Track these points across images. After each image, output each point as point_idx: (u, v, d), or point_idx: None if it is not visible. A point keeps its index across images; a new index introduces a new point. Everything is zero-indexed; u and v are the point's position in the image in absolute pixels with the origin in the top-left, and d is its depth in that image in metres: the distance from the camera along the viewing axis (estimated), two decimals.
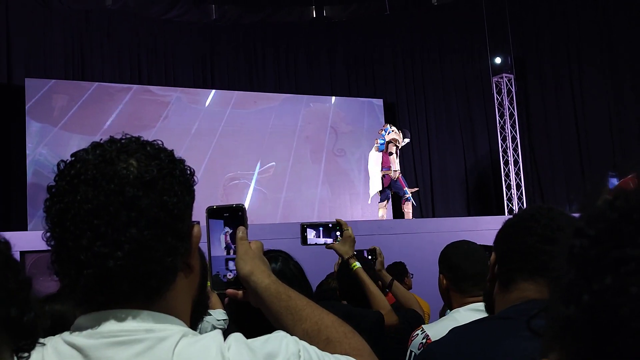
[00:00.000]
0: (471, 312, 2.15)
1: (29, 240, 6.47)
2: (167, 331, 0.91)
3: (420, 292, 4.75)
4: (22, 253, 6.11)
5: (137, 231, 0.89)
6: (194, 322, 1.09)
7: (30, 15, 10.88)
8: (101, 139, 0.99)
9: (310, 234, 2.52)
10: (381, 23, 13.53)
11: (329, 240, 2.55)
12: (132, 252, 0.88)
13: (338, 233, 2.57)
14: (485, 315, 2.11)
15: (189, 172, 1.01)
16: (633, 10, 11.10)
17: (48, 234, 0.93)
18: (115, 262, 0.88)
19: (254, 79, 12.89)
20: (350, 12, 13.68)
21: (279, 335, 0.98)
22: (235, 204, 1.26)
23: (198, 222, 1.03)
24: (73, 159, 0.95)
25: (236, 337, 0.94)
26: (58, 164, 0.96)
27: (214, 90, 12.12)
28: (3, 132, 10.39)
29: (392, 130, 9.89)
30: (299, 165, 12.33)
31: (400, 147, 10.06)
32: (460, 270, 2.26)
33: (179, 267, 0.96)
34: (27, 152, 10.14)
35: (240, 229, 1.21)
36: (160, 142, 1.01)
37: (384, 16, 13.47)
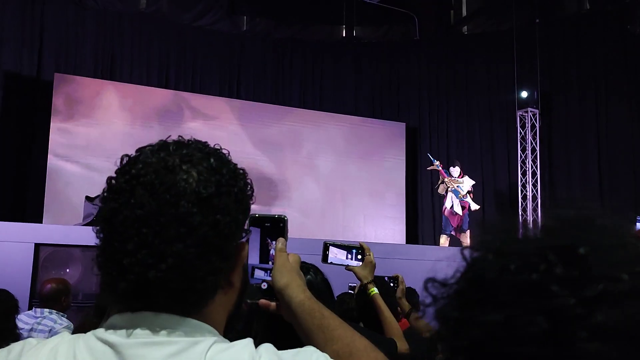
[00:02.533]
0: None
1: (43, 232, 6.53)
2: (200, 337, 0.90)
3: (428, 319, 4.69)
4: (37, 245, 6.14)
5: (184, 247, 0.88)
6: (226, 334, 1.07)
7: (64, 12, 11.06)
8: (169, 136, 0.99)
9: (332, 253, 2.51)
10: (410, 47, 13.58)
11: (351, 262, 2.54)
12: (175, 266, 0.87)
13: (360, 256, 2.55)
14: None
15: (248, 188, 0.99)
16: None
17: (98, 227, 0.93)
18: (157, 273, 0.87)
19: (279, 92, 12.95)
20: (379, 34, 13.75)
21: (310, 350, 0.97)
22: (278, 215, 1.25)
23: (247, 240, 1.01)
24: (137, 155, 0.95)
25: (267, 347, 0.92)
26: (122, 158, 0.95)
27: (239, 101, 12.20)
28: (28, 124, 10.52)
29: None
30: (315, 181, 12.33)
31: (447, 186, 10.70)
32: None
33: (220, 285, 0.95)
34: (49, 145, 10.23)
35: (280, 241, 1.21)
36: (226, 152, 1.00)
37: (413, 41, 13.51)
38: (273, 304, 1.19)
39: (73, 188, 9.96)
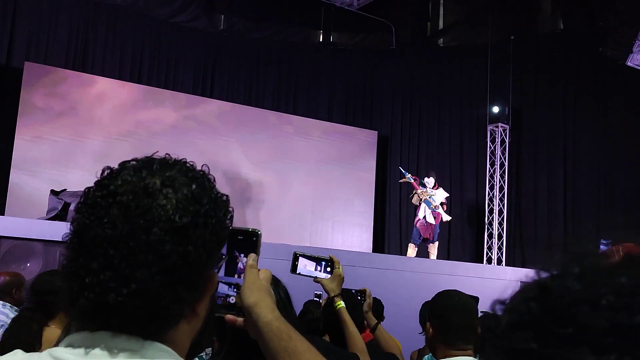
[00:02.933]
0: None
1: (4, 225, 6.37)
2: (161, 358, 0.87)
3: (392, 329, 4.70)
4: None
5: (149, 274, 0.85)
6: None
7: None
8: (156, 151, 0.95)
9: (302, 263, 2.49)
10: (386, 56, 13.64)
11: (320, 275, 2.53)
12: (137, 292, 0.84)
13: (329, 269, 2.55)
14: None
15: (228, 218, 0.96)
16: (628, 78, 11.27)
17: (68, 237, 0.90)
18: (117, 297, 0.84)
19: (253, 94, 12.89)
20: (356, 41, 13.79)
21: None
22: (252, 229, 1.22)
23: (218, 267, 0.99)
24: (119, 169, 0.91)
25: None
26: (103, 170, 0.92)
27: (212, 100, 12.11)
28: None
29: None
30: (284, 185, 12.30)
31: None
32: (448, 323, 2.23)
33: (185, 314, 0.91)
34: (15, 135, 10.03)
35: (251, 256, 1.18)
36: (212, 178, 0.97)
37: (389, 50, 13.58)
38: (240, 319, 1.16)
39: (38, 180, 9.78)
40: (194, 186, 0.91)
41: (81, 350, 0.86)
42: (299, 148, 12.56)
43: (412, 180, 10.59)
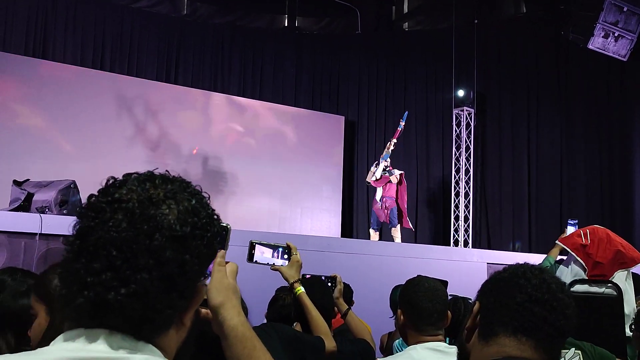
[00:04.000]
0: (428, 351, 2.15)
1: None
2: (157, 357, 0.92)
3: (362, 314, 4.74)
4: None
5: (149, 278, 0.89)
6: None
7: None
8: (156, 169, 1.01)
9: (259, 251, 2.49)
10: (351, 41, 13.63)
11: (278, 262, 2.53)
12: (136, 294, 0.88)
13: (286, 255, 2.56)
14: (442, 355, 2.12)
15: (219, 235, 1.02)
16: (588, 61, 11.46)
17: (69, 240, 0.93)
18: (116, 296, 0.88)
19: (218, 79, 12.78)
20: (321, 26, 13.75)
21: None
22: (221, 223, 1.20)
23: (206, 285, 1.05)
24: (123, 180, 0.97)
25: None
26: (107, 180, 0.97)
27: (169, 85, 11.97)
28: None
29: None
30: (251, 172, 12.24)
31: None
32: (419, 309, 2.26)
33: (175, 322, 0.96)
34: None
35: (220, 253, 1.18)
36: (207, 195, 1.03)
37: (354, 35, 13.57)
38: (204, 310, 1.17)
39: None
40: (193, 201, 0.97)
41: (77, 345, 0.89)
42: (266, 134, 12.51)
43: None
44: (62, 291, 0.92)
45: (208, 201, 1.01)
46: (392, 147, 10.42)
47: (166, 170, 1.01)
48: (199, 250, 0.95)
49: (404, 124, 10.75)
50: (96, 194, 0.95)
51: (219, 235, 1.02)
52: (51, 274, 1.71)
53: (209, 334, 1.20)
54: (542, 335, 1.29)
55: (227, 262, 1.19)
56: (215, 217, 1.02)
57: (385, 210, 10.20)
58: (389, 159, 10.37)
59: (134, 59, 12.00)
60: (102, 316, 0.89)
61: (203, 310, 1.17)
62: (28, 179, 6.60)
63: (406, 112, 11.10)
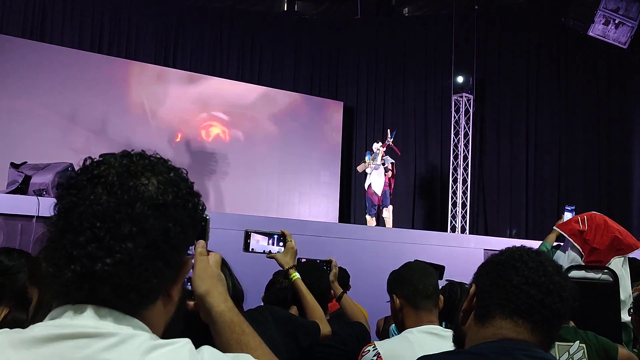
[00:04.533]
0: (424, 335, 2.17)
1: None
2: (140, 331, 0.92)
3: (358, 298, 4.75)
4: None
5: (133, 246, 0.90)
6: None
7: None
8: (133, 150, 1.01)
9: (254, 240, 2.55)
10: (350, 26, 13.56)
11: (273, 249, 2.58)
12: (122, 262, 0.90)
13: (281, 243, 2.60)
14: (438, 339, 2.12)
15: (201, 208, 1.03)
16: (589, 48, 11.42)
17: (52, 221, 0.95)
18: (103, 266, 0.89)
19: (217, 63, 12.73)
20: (321, 10, 13.67)
21: (248, 356, 1.01)
22: None
23: (192, 257, 1.05)
24: (100, 159, 0.97)
25: (209, 348, 0.96)
26: (85, 160, 0.98)
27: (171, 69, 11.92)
28: None
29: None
30: (250, 157, 12.24)
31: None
32: (414, 284, 2.29)
33: (162, 293, 0.97)
34: None
35: (200, 243, 1.19)
36: (185, 171, 1.03)
37: (354, 20, 13.50)
38: (191, 303, 1.18)
39: None
40: (172, 173, 0.99)
41: (63, 321, 0.90)
42: (265, 119, 12.49)
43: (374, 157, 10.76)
44: (49, 269, 0.93)
45: (186, 176, 1.02)
46: (380, 155, 10.62)
47: (142, 150, 1.01)
48: (181, 219, 0.95)
49: (391, 140, 10.91)
50: (74, 174, 0.97)
51: (201, 217, 1.03)
52: (42, 257, 1.71)
53: (196, 323, 1.20)
54: (538, 318, 1.29)
55: (210, 252, 1.20)
56: (197, 192, 1.02)
57: (377, 196, 10.44)
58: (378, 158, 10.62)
59: (132, 43, 11.94)
60: (89, 288, 0.90)
61: (190, 303, 1.18)
62: (25, 162, 6.59)
63: (394, 132, 11.14)
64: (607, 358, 2.28)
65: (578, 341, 2.25)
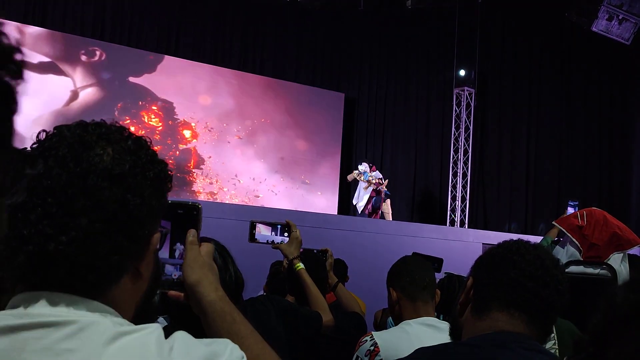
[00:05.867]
0: (422, 326, 2.17)
1: None
2: (101, 317, 0.86)
3: (357, 289, 4.76)
4: None
5: (88, 221, 0.84)
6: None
7: None
8: (93, 120, 0.94)
9: (259, 231, 2.56)
10: (353, 18, 13.51)
11: (277, 239, 2.60)
12: (77, 240, 0.84)
13: (286, 233, 2.62)
14: (435, 330, 2.13)
15: (166, 177, 0.96)
16: (591, 43, 11.40)
17: (7, 202, 0.88)
18: (57, 245, 0.83)
19: (219, 53, 12.69)
20: (324, 1, 13.61)
21: (225, 341, 0.97)
22: (192, 202, 1.17)
23: (161, 231, 0.98)
24: (54, 131, 0.91)
25: (182, 334, 0.91)
26: (38, 133, 0.91)
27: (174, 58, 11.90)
28: None
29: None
30: (251, 147, 12.24)
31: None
32: (410, 276, 2.29)
33: (127, 270, 0.91)
34: None
35: (191, 232, 1.14)
36: (148, 139, 0.97)
37: (357, 11, 13.45)
38: (183, 294, 1.14)
39: None
40: (129, 142, 0.92)
41: (18, 311, 0.85)
42: (266, 109, 12.47)
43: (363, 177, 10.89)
44: (3, 252, 0.87)
45: (149, 144, 0.96)
46: (373, 181, 10.79)
47: (101, 119, 0.95)
48: (141, 189, 0.89)
49: (384, 186, 10.98)
50: (28, 149, 0.91)
51: (168, 176, 0.96)
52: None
53: (188, 315, 1.18)
54: (534, 311, 1.30)
55: (202, 242, 1.16)
56: (161, 160, 0.96)
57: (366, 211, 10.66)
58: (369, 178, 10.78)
59: (134, 31, 11.90)
60: (45, 270, 0.85)
61: (172, 293, 1.14)
62: (26, 147, 6.59)
63: (387, 180, 11.25)
64: (571, 333, 2.32)
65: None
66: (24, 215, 0.84)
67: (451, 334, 1.48)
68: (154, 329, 0.87)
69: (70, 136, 0.89)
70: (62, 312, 0.84)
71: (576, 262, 3.26)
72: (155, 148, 0.98)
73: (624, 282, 0.78)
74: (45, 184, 0.85)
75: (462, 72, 12.50)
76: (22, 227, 0.84)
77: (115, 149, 0.89)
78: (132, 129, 0.99)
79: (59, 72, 10.56)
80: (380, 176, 11.01)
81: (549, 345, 2.32)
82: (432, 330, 2.14)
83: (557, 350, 2.31)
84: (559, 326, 2.31)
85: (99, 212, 0.85)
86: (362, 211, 10.71)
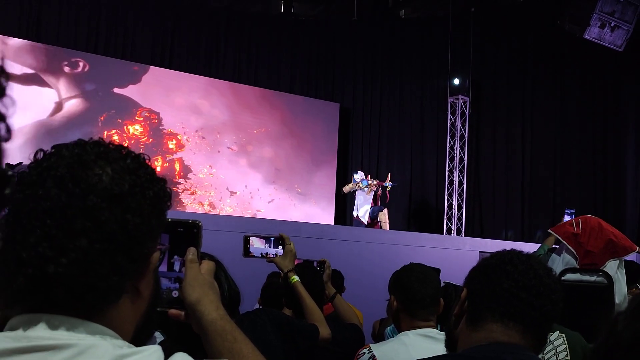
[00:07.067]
0: (420, 338, 2.16)
1: None
2: (100, 340, 0.85)
3: (354, 300, 4.75)
4: None
5: (88, 242, 0.84)
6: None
7: None
8: (91, 138, 0.94)
9: (253, 245, 2.57)
10: (347, 28, 13.55)
11: (271, 251, 2.60)
12: (76, 261, 0.83)
13: (280, 246, 2.62)
14: (433, 342, 2.13)
15: (165, 195, 0.96)
16: (586, 52, 11.45)
17: (4, 221, 0.88)
18: (56, 268, 0.83)
19: (213, 64, 12.70)
20: (318, 11, 13.64)
21: None
22: (192, 220, 1.17)
23: (160, 249, 0.97)
24: (52, 151, 0.91)
25: (182, 356, 0.89)
26: (36, 153, 0.91)
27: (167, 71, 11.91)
28: None
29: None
30: (247, 158, 12.24)
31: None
32: (412, 293, 2.27)
33: (126, 290, 0.90)
34: None
35: (191, 251, 1.13)
36: (146, 157, 0.96)
37: (351, 21, 13.49)
38: (183, 313, 1.13)
39: None
40: (128, 160, 0.92)
41: (17, 334, 0.84)
42: (261, 120, 12.48)
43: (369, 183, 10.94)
44: (2, 275, 0.86)
45: (148, 162, 0.96)
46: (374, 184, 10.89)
47: (99, 137, 0.95)
48: (141, 208, 0.89)
49: (389, 188, 11.09)
50: (26, 169, 0.90)
51: (167, 194, 0.96)
52: None
53: (188, 333, 1.16)
54: (529, 321, 1.30)
55: (203, 260, 1.15)
56: (159, 177, 0.96)
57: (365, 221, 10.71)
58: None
59: (129, 43, 11.90)
60: (44, 293, 0.84)
61: (172, 312, 1.13)
62: (21, 162, 6.56)
63: (394, 183, 11.36)
64: (582, 346, 2.30)
65: (558, 331, 2.27)
66: (22, 237, 0.84)
67: (447, 345, 1.48)
68: (154, 351, 0.86)
69: (69, 156, 0.88)
70: (61, 335, 0.83)
71: (572, 270, 3.26)
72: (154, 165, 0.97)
73: (626, 309, 0.78)
74: (45, 205, 0.84)
75: (456, 81, 12.55)
76: (20, 249, 0.83)
77: (114, 168, 0.89)
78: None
79: (43, 83, 10.56)
80: (377, 181, 11.08)
81: (549, 353, 2.31)
82: (430, 342, 2.14)
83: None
84: (570, 340, 2.30)
85: (99, 233, 0.85)
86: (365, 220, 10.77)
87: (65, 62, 10.81)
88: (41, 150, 0.91)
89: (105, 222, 0.85)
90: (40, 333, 0.83)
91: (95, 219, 0.85)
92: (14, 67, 10.08)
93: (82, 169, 0.87)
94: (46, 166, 0.87)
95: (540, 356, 1.41)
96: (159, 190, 0.94)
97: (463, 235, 12.02)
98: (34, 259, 0.83)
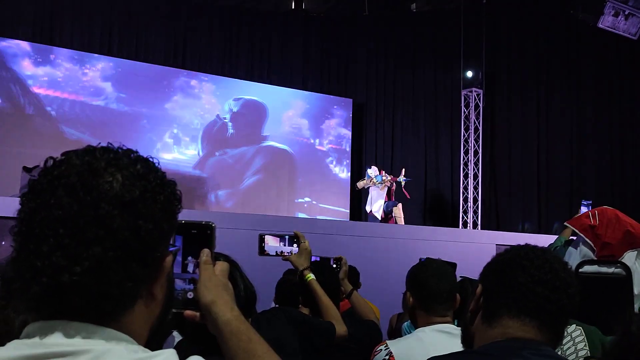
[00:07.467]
0: (437, 333, 2.16)
1: None
2: (116, 345, 0.86)
3: (370, 295, 4.75)
4: None
5: (102, 250, 0.84)
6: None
7: None
8: (99, 143, 0.94)
9: (268, 243, 2.58)
10: (359, 23, 13.54)
11: (286, 249, 2.60)
12: (91, 270, 0.84)
13: (295, 244, 2.62)
14: (450, 337, 2.12)
15: (176, 199, 0.96)
16: (600, 41, 11.34)
17: (15, 229, 0.88)
18: (71, 277, 0.83)
19: (226, 63, 12.74)
20: (328, 7, 13.64)
21: None
22: (205, 222, 1.17)
23: (173, 252, 0.98)
24: (62, 158, 0.91)
25: (196, 358, 0.90)
26: (46, 160, 0.91)
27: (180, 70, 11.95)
28: None
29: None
30: (261, 155, 12.27)
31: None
32: (428, 289, 2.26)
33: (140, 295, 0.91)
34: None
35: (205, 252, 1.14)
36: (156, 161, 0.96)
37: (362, 16, 13.47)
38: (198, 314, 1.14)
39: (10, 158, 9.63)
40: (138, 166, 0.91)
41: (34, 341, 0.85)
42: (274, 117, 12.50)
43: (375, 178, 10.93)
44: (16, 284, 0.87)
45: (158, 166, 0.96)
46: (372, 181, 10.93)
47: (108, 143, 0.95)
48: (153, 214, 0.89)
49: (404, 183, 11.11)
50: (36, 177, 0.90)
51: (178, 197, 0.96)
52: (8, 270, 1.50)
53: (204, 334, 1.16)
54: (545, 315, 1.29)
55: (217, 261, 1.16)
56: (169, 181, 0.96)
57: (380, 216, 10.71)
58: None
59: (142, 43, 11.97)
60: (59, 300, 0.84)
61: (188, 313, 1.14)
62: (38, 165, 6.59)
63: (408, 178, 11.34)
64: (600, 339, 2.28)
65: (575, 324, 2.25)
66: (35, 247, 0.84)
67: (463, 342, 1.47)
68: (169, 355, 0.87)
69: (79, 164, 0.88)
70: (77, 341, 0.84)
71: (590, 262, 3.24)
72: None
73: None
74: (57, 214, 0.84)
75: (469, 74, 12.48)
76: (34, 258, 0.84)
77: (125, 174, 0.89)
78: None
79: (71, 87, 10.64)
80: (391, 176, 11.08)
81: (567, 345, 2.30)
82: (447, 337, 2.13)
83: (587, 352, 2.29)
84: (587, 333, 2.28)
85: (112, 240, 0.85)
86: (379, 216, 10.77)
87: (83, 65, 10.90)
88: (51, 157, 0.91)
89: (118, 230, 0.85)
90: (57, 340, 0.84)
91: (108, 226, 0.85)
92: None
93: (93, 177, 0.87)
94: (57, 174, 0.87)
95: (558, 351, 1.39)
96: (170, 194, 0.94)
97: (479, 228, 11.96)
98: (48, 268, 0.83)
